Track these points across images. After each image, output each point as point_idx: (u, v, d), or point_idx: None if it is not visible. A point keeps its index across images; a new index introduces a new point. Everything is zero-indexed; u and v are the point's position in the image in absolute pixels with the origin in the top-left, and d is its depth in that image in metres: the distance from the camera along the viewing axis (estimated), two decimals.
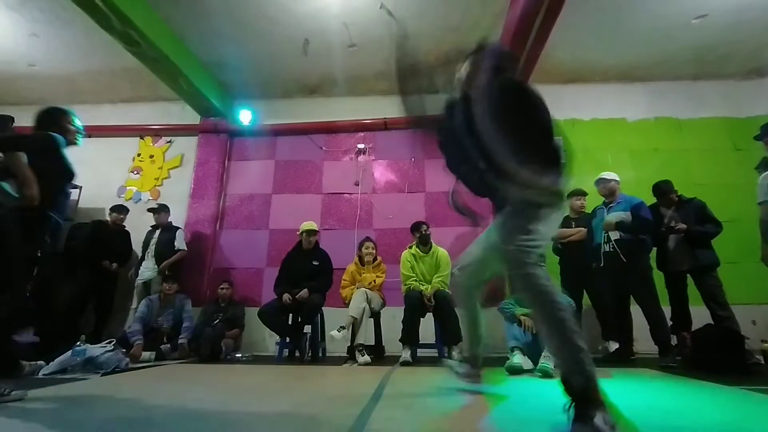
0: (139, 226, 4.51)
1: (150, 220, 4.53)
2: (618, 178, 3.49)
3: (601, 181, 3.53)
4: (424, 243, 3.67)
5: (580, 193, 3.91)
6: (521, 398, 1.80)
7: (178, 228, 4.51)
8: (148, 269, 4.23)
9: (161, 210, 4.50)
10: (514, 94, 1.42)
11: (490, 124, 1.29)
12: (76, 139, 2.45)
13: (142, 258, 4.32)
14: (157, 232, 4.41)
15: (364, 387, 2.04)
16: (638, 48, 4.51)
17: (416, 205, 4.79)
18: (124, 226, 4.50)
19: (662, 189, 3.48)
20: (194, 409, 1.57)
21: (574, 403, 1.11)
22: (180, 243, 4.36)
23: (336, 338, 3.20)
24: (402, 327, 3.36)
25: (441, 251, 3.68)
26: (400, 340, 3.35)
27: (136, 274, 4.29)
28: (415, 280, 3.53)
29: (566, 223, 3.88)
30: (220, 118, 5.26)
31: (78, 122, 2.48)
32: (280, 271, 3.86)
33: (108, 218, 4.48)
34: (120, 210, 4.48)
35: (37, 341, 3.40)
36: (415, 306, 3.36)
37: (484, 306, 1.86)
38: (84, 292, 4.10)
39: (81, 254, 4.13)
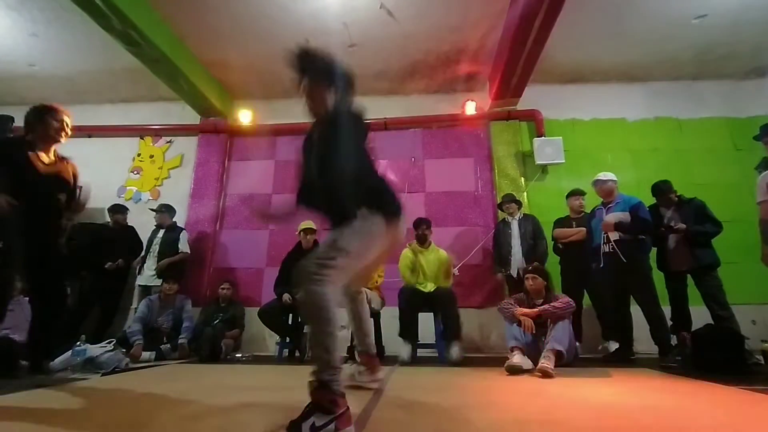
0: (139, 226, 4.50)
1: (151, 220, 4.52)
2: (615, 178, 3.49)
3: (597, 183, 3.53)
4: (421, 242, 3.68)
5: (578, 193, 3.92)
6: (521, 398, 1.80)
7: (182, 229, 4.50)
8: (150, 269, 4.21)
9: (162, 210, 4.48)
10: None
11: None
12: (58, 135, 2.31)
13: (145, 258, 4.31)
14: (161, 231, 4.39)
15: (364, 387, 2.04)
16: (638, 48, 4.51)
17: (416, 205, 4.78)
18: (128, 224, 4.50)
19: (661, 189, 3.48)
20: (194, 409, 1.57)
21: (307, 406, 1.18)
22: (183, 245, 4.35)
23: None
24: (400, 322, 3.40)
25: (441, 252, 3.68)
26: (399, 335, 3.37)
27: (140, 272, 4.28)
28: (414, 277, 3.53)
29: (567, 223, 3.89)
30: (220, 118, 5.26)
31: (65, 118, 2.35)
32: (280, 271, 3.86)
33: (109, 220, 4.46)
34: (122, 210, 4.47)
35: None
36: (410, 300, 3.38)
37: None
38: (89, 294, 4.09)
39: (84, 258, 4.11)
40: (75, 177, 2.51)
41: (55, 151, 2.38)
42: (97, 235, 4.23)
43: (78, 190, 2.52)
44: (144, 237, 4.43)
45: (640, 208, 3.27)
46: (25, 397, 1.81)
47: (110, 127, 5.40)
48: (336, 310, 1.26)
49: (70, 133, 2.38)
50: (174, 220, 4.56)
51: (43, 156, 2.28)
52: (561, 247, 3.85)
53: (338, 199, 1.46)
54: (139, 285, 4.24)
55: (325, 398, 1.16)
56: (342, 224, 1.42)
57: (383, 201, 1.50)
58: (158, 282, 4.09)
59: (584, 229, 3.65)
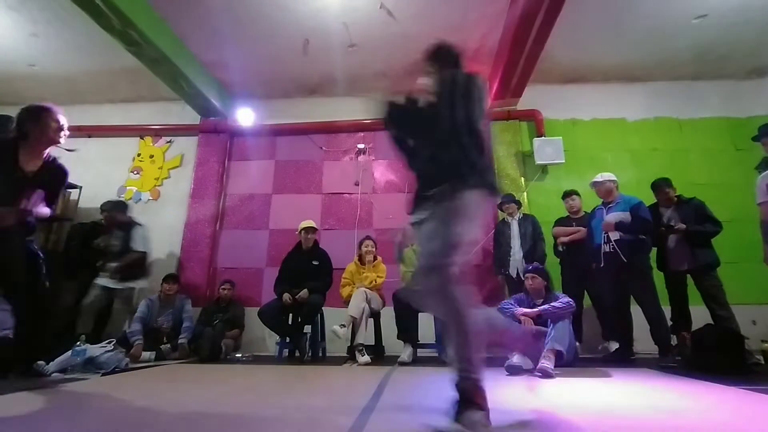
0: None
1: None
2: (614, 178, 3.48)
3: (595, 185, 3.54)
4: None
5: (571, 194, 3.93)
6: (521, 398, 1.80)
7: (136, 225, 4.03)
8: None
9: (107, 209, 4.12)
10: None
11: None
12: (57, 137, 2.17)
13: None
14: (118, 232, 3.96)
15: (364, 387, 2.04)
16: (638, 48, 4.51)
17: None
18: None
19: (658, 184, 3.48)
20: (194, 409, 1.57)
21: (459, 402, 1.20)
22: (138, 244, 3.90)
23: (338, 333, 3.18)
24: (397, 326, 3.43)
25: None
26: (398, 338, 3.37)
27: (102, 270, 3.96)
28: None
29: (567, 223, 3.89)
30: (220, 118, 5.26)
31: (61, 119, 2.20)
32: (280, 271, 3.86)
33: (102, 218, 4.41)
34: None
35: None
36: (403, 307, 3.37)
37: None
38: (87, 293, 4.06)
39: (80, 258, 4.08)
40: (62, 182, 2.35)
41: (47, 154, 2.21)
42: (92, 234, 4.21)
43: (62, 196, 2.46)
44: None
45: (640, 208, 3.27)
46: (25, 398, 1.81)
47: (110, 127, 5.41)
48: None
49: (68, 133, 2.25)
50: (129, 216, 4.14)
51: (30, 163, 2.12)
52: (562, 249, 3.83)
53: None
54: (100, 285, 3.76)
55: (478, 395, 1.18)
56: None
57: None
58: (120, 285, 3.78)
59: (584, 228, 3.65)
